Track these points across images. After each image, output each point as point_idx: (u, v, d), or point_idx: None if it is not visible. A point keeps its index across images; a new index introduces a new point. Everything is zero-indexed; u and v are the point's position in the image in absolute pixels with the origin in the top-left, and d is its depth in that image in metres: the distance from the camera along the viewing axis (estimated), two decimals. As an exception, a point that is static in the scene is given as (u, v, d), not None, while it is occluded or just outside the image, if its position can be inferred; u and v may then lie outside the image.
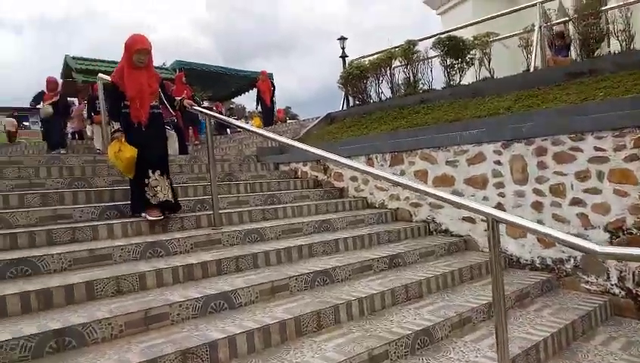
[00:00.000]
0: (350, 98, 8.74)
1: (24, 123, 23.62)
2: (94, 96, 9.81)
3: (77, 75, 14.58)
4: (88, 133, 11.52)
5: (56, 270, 3.03)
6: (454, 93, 6.30)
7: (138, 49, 3.86)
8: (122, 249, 3.33)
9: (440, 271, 3.72)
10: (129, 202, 4.12)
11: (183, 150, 9.31)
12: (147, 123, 3.95)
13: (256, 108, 14.49)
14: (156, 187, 3.94)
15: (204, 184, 5.17)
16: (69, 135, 12.79)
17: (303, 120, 11.51)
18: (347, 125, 7.29)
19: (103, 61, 15.71)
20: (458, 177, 4.68)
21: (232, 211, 4.56)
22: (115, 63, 15.87)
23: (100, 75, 7.05)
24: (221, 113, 17.83)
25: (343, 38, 15.75)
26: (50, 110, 8.91)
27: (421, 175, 5.01)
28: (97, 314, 2.48)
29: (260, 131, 4.80)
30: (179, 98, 4.42)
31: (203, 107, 6.21)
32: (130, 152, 3.81)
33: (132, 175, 3.95)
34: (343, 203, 5.47)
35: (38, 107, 9.30)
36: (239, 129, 16.56)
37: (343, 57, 15.53)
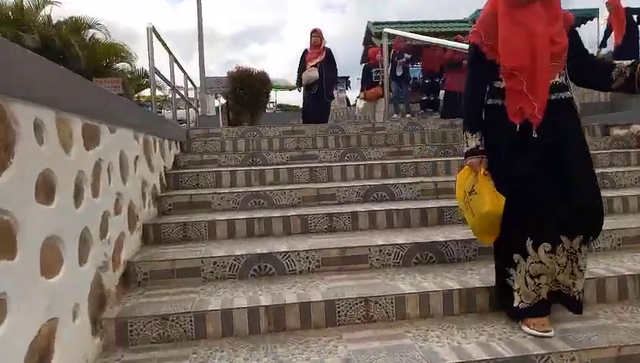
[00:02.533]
0: None
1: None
2: (369, 64, 8.78)
3: (375, 39, 14.87)
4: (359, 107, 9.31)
5: (302, 271, 2.43)
6: None
7: None
8: (380, 251, 2.50)
9: None
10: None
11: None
12: (540, 126, 1.87)
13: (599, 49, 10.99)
14: (538, 276, 1.90)
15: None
16: None
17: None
18: None
19: (403, 23, 15.61)
20: None
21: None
22: (416, 24, 15.67)
23: (385, 30, 6.40)
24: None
25: None
26: (314, 74, 6.78)
27: None
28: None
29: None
30: (630, 62, 1.94)
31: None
32: (491, 204, 1.88)
33: (490, 241, 2.06)
34: None
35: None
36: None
37: None
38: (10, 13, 11.08)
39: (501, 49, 1.89)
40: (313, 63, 6.92)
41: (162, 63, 8.64)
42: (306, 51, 7.15)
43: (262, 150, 4.43)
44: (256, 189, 3.29)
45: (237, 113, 11.52)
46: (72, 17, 12.43)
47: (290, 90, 25.95)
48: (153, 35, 5.01)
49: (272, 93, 18.73)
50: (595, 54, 12.25)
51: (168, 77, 5.88)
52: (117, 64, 13.60)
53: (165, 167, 3.56)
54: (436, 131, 4.73)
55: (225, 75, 10.27)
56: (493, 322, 2.00)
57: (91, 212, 1.88)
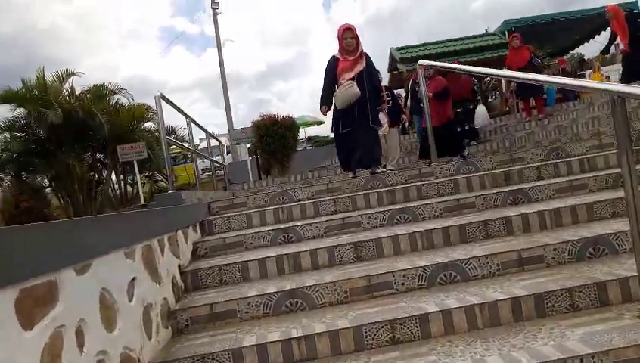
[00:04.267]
0: None
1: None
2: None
3: (401, 65, 14.26)
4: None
5: None
6: None
7: None
8: (472, 385, 1.76)
9: None
10: None
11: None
12: None
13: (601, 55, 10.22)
14: None
15: (587, 202, 3.10)
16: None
17: None
18: None
19: (427, 44, 14.95)
20: None
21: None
22: (441, 43, 14.92)
23: (420, 62, 5.65)
24: (565, 70, 14.52)
25: None
26: (354, 90, 4.81)
27: None
28: None
29: None
30: None
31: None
32: None
33: None
34: None
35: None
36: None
37: None
38: (34, 90, 11.15)
39: None
40: (351, 75, 4.94)
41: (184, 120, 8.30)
42: (334, 59, 5.12)
43: (294, 219, 3.81)
44: (290, 287, 2.61)
45: (265, 159, 11.08)
46: (95, 85, 12.47)
47: (318, 124, 25.72)
48: (162, 102, 4.55)
49: (301, 129, 18.36)
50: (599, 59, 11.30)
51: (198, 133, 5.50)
52: (144, 124, 13.53)
53: (180, 266, 2.96)
54: (497, 172, 3.97)
55: (250, 124, 9.87)
56: None
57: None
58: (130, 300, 2.01)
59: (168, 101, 4.84)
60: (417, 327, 2.18)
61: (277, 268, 2.97)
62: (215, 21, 19.46)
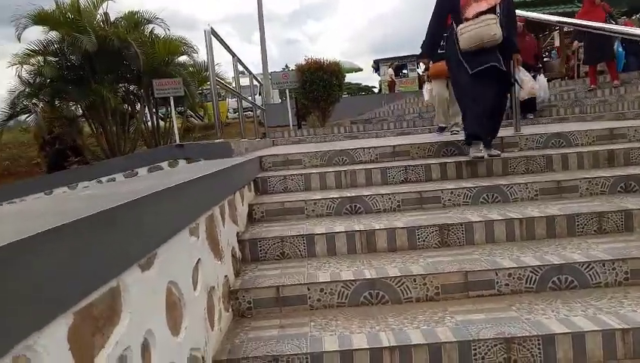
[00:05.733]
0: None
1: (403, 72, 24.70)
2: None
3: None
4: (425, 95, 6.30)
5: None
6: None
7: None
8: None
9: None
10: None
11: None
12: None
13: None
14: None
15: None
16: None
17: None
18: None
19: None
20: None
21: None
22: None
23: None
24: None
25: None
26: (493, 29, 3.26)
27: None
28: None
29: None
30: None
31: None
32: None
33: None
34: None
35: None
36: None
37: None
38: (68, 13, 10.63)
39: None
40: (481, 9, 3.33)
41: (222, 57, 7.75)
42: None
43: (357, 185, 3.37)
44: (370, 276, 2.19)
45: (303, 105, 10.51)
46: (130, 12, 11.87)
47: (356, 71, 24.71)
48: (213, 38, 4.04)
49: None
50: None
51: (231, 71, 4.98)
52: (179, 58, 12.97)
53: (238, 233, 2.57)
54: (598, 151, 3.40)
55: (293, 68, 9.26)
56: None
57: None
58: (195, 289, 1.63)
59: (218, 38, 4.33)
60: (539, 349, 1.76)
61: (347, 247, 2.56)
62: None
